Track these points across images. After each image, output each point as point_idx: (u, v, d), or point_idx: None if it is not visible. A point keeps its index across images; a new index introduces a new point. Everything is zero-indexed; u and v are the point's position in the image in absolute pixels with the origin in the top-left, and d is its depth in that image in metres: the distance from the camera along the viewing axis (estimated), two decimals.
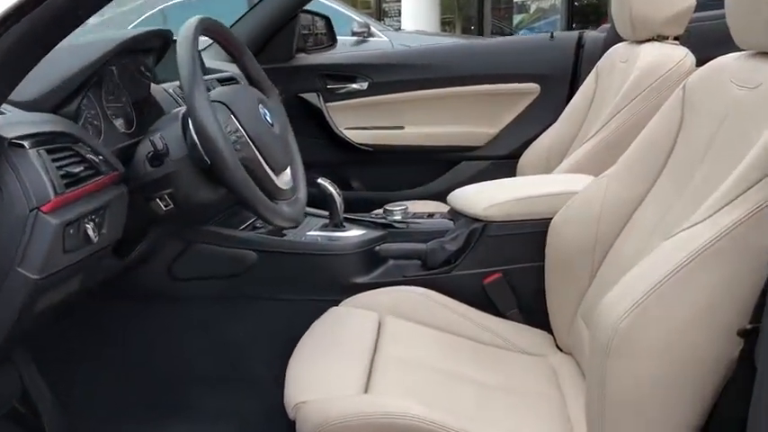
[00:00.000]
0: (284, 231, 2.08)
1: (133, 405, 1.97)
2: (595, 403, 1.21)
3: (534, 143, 2.83)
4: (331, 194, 2.07)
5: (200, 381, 1.99)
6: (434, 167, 3.10)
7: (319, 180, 2.07)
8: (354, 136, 3.09)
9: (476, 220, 1.95)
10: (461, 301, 1.90)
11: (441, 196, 2.45)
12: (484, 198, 1.99)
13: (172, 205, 1.62)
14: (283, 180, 1.79)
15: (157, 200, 1.61)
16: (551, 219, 1.83)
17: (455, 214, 2.06)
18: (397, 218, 2.16)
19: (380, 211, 2.26)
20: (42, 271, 1.26)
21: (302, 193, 1.86)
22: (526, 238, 1.92)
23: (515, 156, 2.91)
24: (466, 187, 2.12)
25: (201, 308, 1.98)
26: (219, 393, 1.95)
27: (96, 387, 1.99)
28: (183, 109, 1.70)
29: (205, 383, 1.99)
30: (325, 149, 3.10)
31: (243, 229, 2.08)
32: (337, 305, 1.87)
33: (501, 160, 3.02)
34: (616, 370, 1.16)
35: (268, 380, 1.70)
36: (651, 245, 1.39)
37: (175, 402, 1.97)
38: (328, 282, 1.97)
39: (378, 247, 2.03)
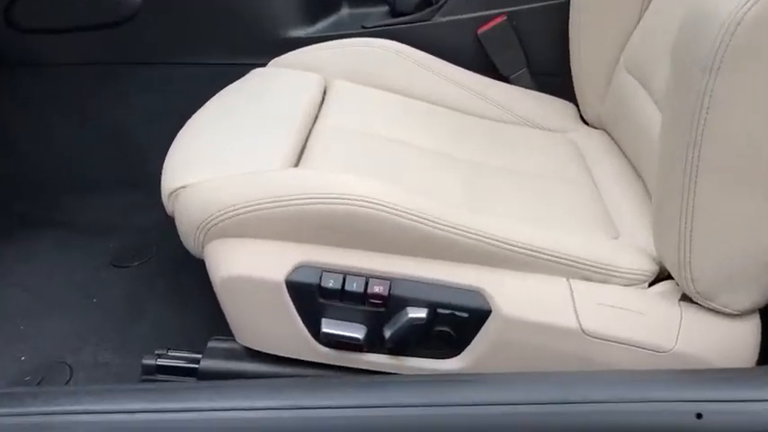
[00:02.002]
0: None
1: None
2: (677, 184, 0.68)
3: None
4: None
5: (85, 181, 1.41)
6: None
7: None
8: None
9: None
10: (446, 58, 1.28)
11: None
12: None
13: None
14: None
15: None
16: None
17: None
18: None
19: None
20: None
21: None
22: None
23: None
24: None
25: (63, 78, 1.35)
26: (99, 198, 1.38)
27: None
28: None
29: (93, 187, 1.41)
30: None
31: None
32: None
33: None
34: (729, 106, 0.63)
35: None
36: None
37: (47, 211, 1.40)
38: (251, 36, 1.34)
39: None
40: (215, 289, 0.84)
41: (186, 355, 0.91)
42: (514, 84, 1.33)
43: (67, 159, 1.41)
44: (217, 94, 1.15)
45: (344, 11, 1.44)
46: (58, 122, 1.40)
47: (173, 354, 0.91)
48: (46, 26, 1.33)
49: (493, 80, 1.30)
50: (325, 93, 1.19)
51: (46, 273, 1.25)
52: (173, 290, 1.17)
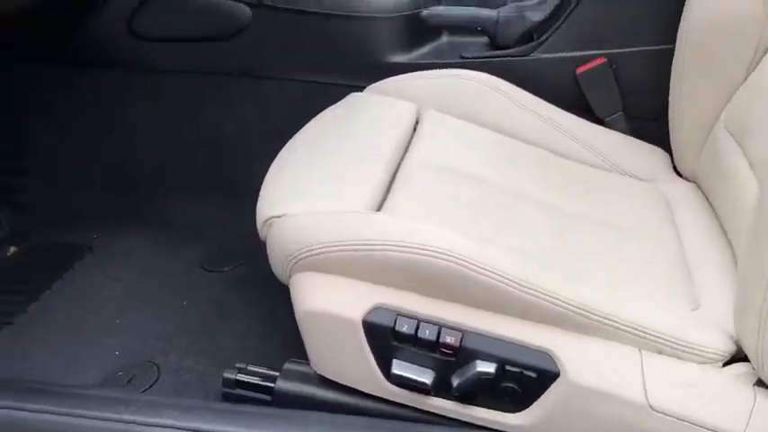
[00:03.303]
0: None
1: (95, 201, 1.51)
2: (766, 267, 0.66)
3: None
4: None
5: (181, 183, 1.49)
6: None
7: None
8: None
9: None
10: (542, 96, 1.28)
11: None
12: None
13: None
14: None
15: None
16: None
17: None
18: None
19: None
20: None
21: None
22: (648, 5, 1.26)
23: None
24: None
25: (174, 84, 1.44)
26: (195, 201, 1.46)
27: (47, 175, 1.53)
28: None
29: (188, 189, 1.50)
30: None
31: None
32: (360, 91, 1.30)
33: None
34: None
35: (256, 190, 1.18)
36: None
37: (143, 207, 1.49)
38: (350, 58, 1.39)
39: (425, 12, 1.40)
40: (297, 317, 0.89)
41: (264, 372, 0.96)
42: (609, 126, 1.32)
43: (170, 162, 1.50)
44: (314, 119, 1.20)
45: (444, 39, 1.47)
46: (164, 126, 1.49)
47: (252, 369, 0.97)
48: (164, 35, 1.41)
49: (587, 122, 1.29)
50: (417, 122, 1.22)
51: (141, 270, 1.34)
52: (259, 299, 1.23)
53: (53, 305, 1.27)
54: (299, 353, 0.93)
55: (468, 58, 1.38)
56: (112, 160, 1.51)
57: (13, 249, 1.46)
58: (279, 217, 0.92)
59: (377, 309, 0.84)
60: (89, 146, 1.51)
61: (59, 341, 1.17)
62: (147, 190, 1.50)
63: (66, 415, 0.82)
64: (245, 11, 1.38)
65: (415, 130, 1.20)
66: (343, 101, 1.27)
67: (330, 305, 0.85)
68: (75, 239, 1.44)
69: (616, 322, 0.81)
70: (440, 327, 0.82)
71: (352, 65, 1.39)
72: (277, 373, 0.94)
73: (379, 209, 0.96)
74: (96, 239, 1.43)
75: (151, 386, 1.06)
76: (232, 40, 1.40)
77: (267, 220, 0.93)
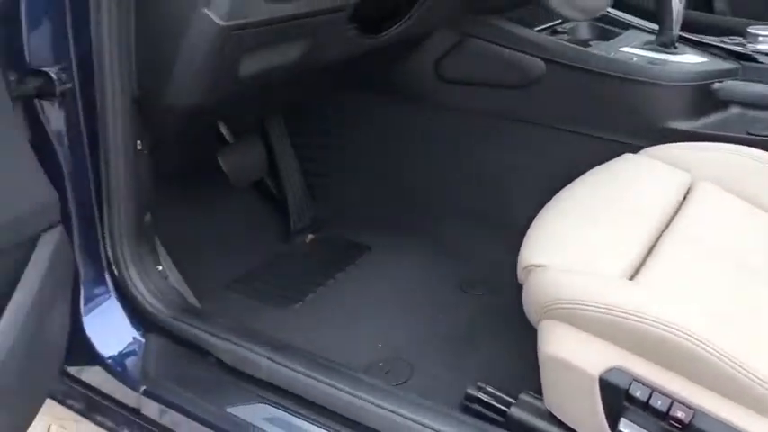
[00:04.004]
0: (590, 42, 1.56)
1: (378, 208, 1.76)
2: None
3: None
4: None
5: (448, 207, 1.68)
6: None
7: None
8: None
9: None
10: None
11: None
12: None
13: None
14: None
15: None
16: None
17: None
18: (764, 47, 1.48)
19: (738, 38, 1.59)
20: (231, 16, 0.99)
21: None
22: None
23: None
24: None
25: (466, 121, 1.62)
26: (466, 228, 1.63)
27: (345, 180, 1.81)
28: None
29: (454, 214, 1.68)
30: None
31: (539, 31, 1.61)
32: (636, 152, 1.36)
33: None
34: None
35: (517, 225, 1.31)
36: None
37: (416, 222, 1.70)
38: (634, 118, 1.45)
39: (718, 85, 1.42)
40: (539, 358, 1.00)
41: (501, 396, 1.10)
42: None
43: (446, 188, 1.69)
44: (586, 174, 1.29)
45: (733, 110, 1.46)
46: (446, 156, 1.68)
47: (491, 390, 1.11)
48: (464, 79, 1.60)
49: None
50: (688, 192, 1.26)
51: (408, 279, 1.55)
52: (506, 327, 1.36)
53: (335, 292, 1.53)
54: (535, 386, 1.04)
55: (756, 135, 1.36)
56: (398, 179, 1.75)
57: (310, 237, 1.76)
58: (539, 266, 1.04)
59: (614, 369, 0.92)
60: (381, 164, 1.76)
61: (336, 324, 1.42)
62: (422, 209, 1.71)
63: (346, 392, 1.03)
64: (540, 65, 1.51)
65: (684, 199, 1.24)
66: (616, 159, 1.34)
67: (572, 356, 0.95)
68: (360, 239, 1.70)
69: None
70: (672, 400, 0.88)
71: (630, 125, 1.46)
72: (513, 400, 1.07)
73: (632, 276, 1.04)
74: (376, 243, 1.68)
75: (404, 383, 1.25)
76: (523, 89, 1.54)
77: (528, 266, 1.06)
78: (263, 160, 1.68)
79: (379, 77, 1.67)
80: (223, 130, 1.59)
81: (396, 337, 1.37)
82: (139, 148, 1.12)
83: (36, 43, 0.99)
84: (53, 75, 1.01)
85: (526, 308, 1.06)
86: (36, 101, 1.03)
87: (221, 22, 0.99)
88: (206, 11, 0.98)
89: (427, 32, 1.54)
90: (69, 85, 1.03)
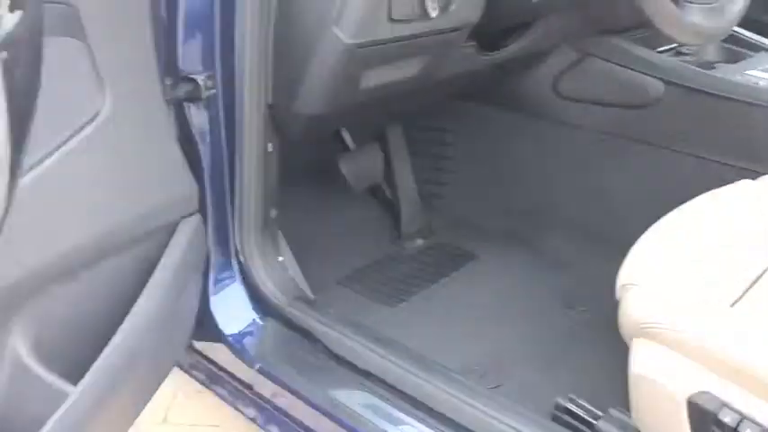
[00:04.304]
0: (715, 64, 1.54)
1: (487, 218, 1.81)
2: None
3: None
4: None
5: (557, 221, 1.71)
6: None
7: None
8: None
9: None
10: None
11: None
12: None
13: None
14: None
15: None
16: None
17: None
18: None
19: None
20: (357, 35, 1.08)
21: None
22: None
23: None
24: None
25: (581, 138, 1.64)
26: (573, 243, 1.65)
27: (458, 190, 1.87)
28: None
29: (563, 227, 1.70)
30: None
31: (661, 52, 1.60)
32: (755, 179, 1.34)
33: None
34: None
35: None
36: None
37: (524, 234, 1.74)
38: (755, 144, 1.43)
39: None
40: (630, 375, 1.02)
41: (591, 408, 1.12)
42: None
43: (556, 201, 1.72)
44: (701, 196, 1.28)
45: None
46: (559, 170, 1.71)
47: (581, 402, 1.14)
48: (581, 97, 1.62)
49: None
50: None
51: (510, 287, 1.60)
52: (602, 342, 1.38)
53: (438, 295, 1.60)
54: (624, 402, 1.06)
55: None
56: (510, 191, 1.79)
57: (420, 242, 1.84)
58: (636, 285, 1.06)
59: (704, 393, 0.93)
60: (494, 175, 1.81)
61: (437, 325, 1.48)
62: (531, 221, 1.74)
63: (441, 389, 1.09)
64: (659, 86, 1.51)
65: None
66: (734, 185, 1.32)
67: (661, 377, 0.96)
68: (467, 247, 1.76)
69: None
70: (762, 429, 0.89)
71: (750, 151, 1.43)
72: (601, 414, 1.10)
73: (734, 303, 1.04)
74: (482, 252, 1.73)
75: (496, 387, 1.30)
76: (641, 109, 1.55)
77: (626, 284, 1.08)
78: (380, 167, 1.78)
79: (496, 90, 1.72)
80: (346, 136, 1.71)
81: (493, 343, 1.42)
82: (269, 149, 1.24)
83: (188, 54, 1.13)
84: (200, 81, 1.14)
85: (621, 325, 1.08)
86: (185, 103, 1.17)
87: (348, 40, 1.09)
88: (335, 29, 1.08)
89: (546, 50, 1.58)
90: (214, 91, 1.16)
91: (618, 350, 1.06)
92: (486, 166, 1.83)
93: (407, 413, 1.14)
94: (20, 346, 0.91)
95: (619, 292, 1.10)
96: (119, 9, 0.95)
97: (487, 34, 1.38)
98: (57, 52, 0.81)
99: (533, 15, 1.41)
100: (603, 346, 1.35)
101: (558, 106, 1.66)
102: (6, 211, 0.72)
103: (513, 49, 1.45)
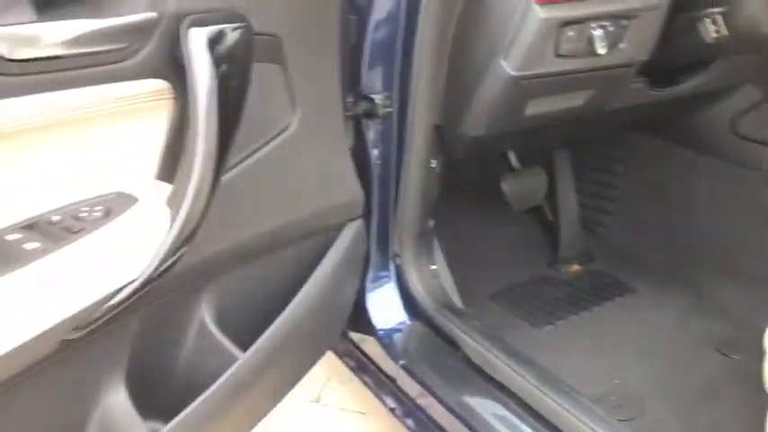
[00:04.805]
0: None
1: (648, 252, 1.78)
2: None
3: None
4: None
5: (721, 265, 1.65)
6: None
7: None
8: None
9: None
10: None
11: None
12: None
13: (724, 32, 1.24)
14: None
15: (705, 21, 1.25)
16: None
17: None
18: None
19: None
20: (522, 68, 1.15)
21: None
22: None
23: None
24: None
25: (756, 180, 1.58)
26: (735, 288, 1.59)
27: (621, 219, 1.86)
28: None
29: (725, 272, 1.64)
30: None
31: None
32: None
33: None
34: None
35: None
36: None
37: (684, 274, 1.69)
38: None
39: None
40: (765, 428, 1.00)
41: None
42: None
43: (720, 244, 1.67)
44: None
45: None
46: (728, 211, 1.65)
47: None
48: (763, 139, 1.55)
49: None
50: None
51: (664, 326, 1.58)
52: (747, 391, 1.32)
53: (587, 324, 1.61)
54: None
55: None
56: (675, 227, 1.75)
57: (576, 267, 1.85)
58: None
59: None
60: (660, 209, 1.78)
61: (579, 353, 1.50)
62: (693, 262, 1.69)
63: (572, 415, 1.12)
64: None
65: None
66: None
67: None
68: (623, 278, 1.75)
69: None
70: None
71: None
72: None
73: None
74: (639, 286, 1.71)
75: (630, 420, 1.30)
76: None
77: None
78: (543, 188, 1.82)
79: (670, 124, 1.70)
80: (512, 157, 1.77)
81: (634, 377, 1.41)
82: (433, 165, 1.35)
83: (370, 76, 1.27)
84: (378, 100, 1.27)
85: (765, 376, 1.06)
86: (363, 119, 1.31)
87: (513, 72, 1.16)
88: (502, 61, 1.16)
89: (725, 88, 1.53)
90: (389, 110, 1.29)
91: (763, 404, 1.04)
92: (654, 200, 1.81)
93: (535, 430, 1.18)
94: (206, 314, 1.08)
95: (766, 344, 1.08)
96: (316, 37, 1.10)
97: (661, 69, 1.38)
98: (260, 75, 0.97)
99: (709, 54, 1.38)
100: (750, 398, 1.30)
101: (734, 146, 1.60)
102: (209, 204, 0.89)
103: (687, 86, 1.43)
